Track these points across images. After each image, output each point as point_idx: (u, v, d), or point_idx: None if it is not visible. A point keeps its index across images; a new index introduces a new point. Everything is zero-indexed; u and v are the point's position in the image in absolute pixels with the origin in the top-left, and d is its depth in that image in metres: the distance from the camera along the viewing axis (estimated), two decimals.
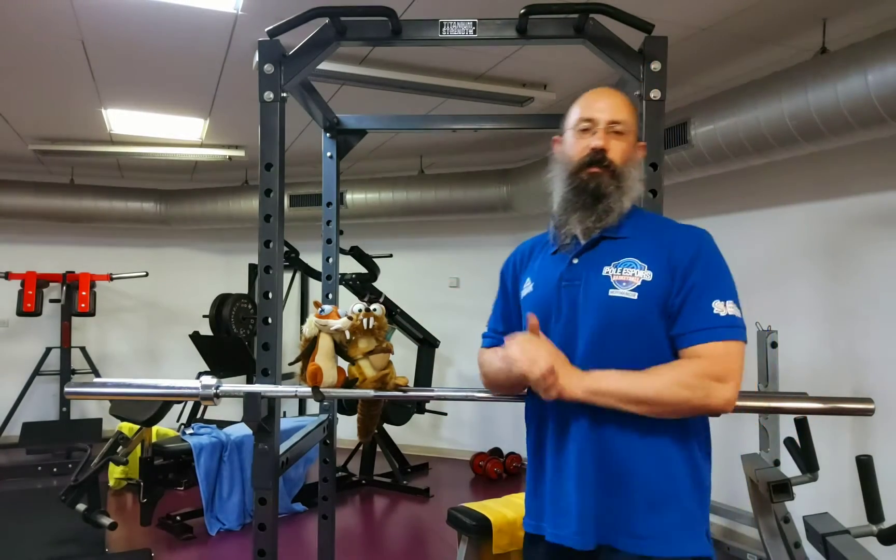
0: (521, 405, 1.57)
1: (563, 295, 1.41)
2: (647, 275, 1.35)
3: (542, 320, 1.42)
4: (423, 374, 5.58)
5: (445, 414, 6.09)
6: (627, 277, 1.36)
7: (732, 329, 1.32)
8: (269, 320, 1.78)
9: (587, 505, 1.32)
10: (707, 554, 1.33)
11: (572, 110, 1.49)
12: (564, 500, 1.36)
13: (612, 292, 1.36)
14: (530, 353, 1.31)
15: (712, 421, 1.43)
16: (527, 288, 1.52)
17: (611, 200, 1.40)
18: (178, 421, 5.42)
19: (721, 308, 1.32)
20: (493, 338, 1.62)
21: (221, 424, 4.53)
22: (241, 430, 4.33)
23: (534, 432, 1.47)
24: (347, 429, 3.21)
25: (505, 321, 1.61)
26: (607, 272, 1.38)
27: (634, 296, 1.34)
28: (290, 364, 1.86)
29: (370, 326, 1.74)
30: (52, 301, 6.19)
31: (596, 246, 1.42)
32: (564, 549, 1.35)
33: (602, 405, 1.30)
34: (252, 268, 6.37)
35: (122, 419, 4.11)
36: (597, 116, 1.43)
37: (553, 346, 1.34)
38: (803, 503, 3.00)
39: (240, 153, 5.45)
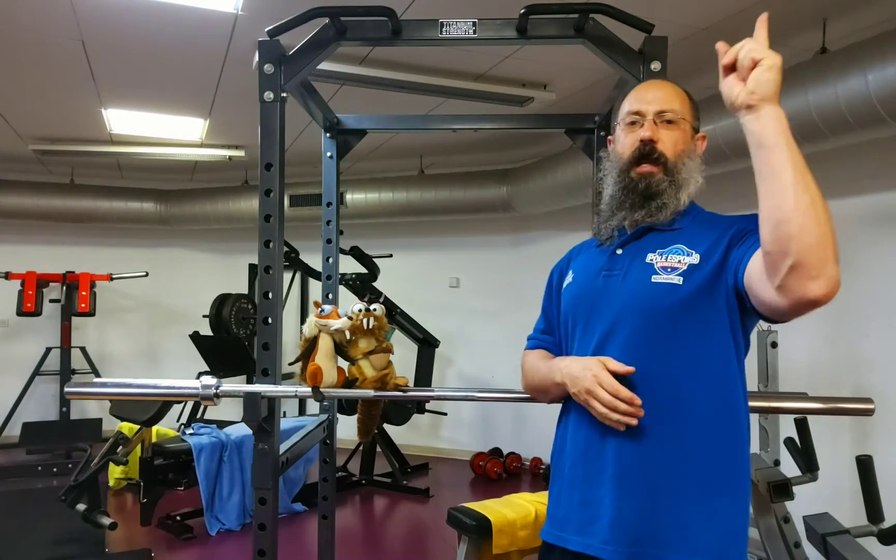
0: (522, 405, 1.57)
1: (600, 284, 1.33)
2: (693, 259, 1.24)
3: (576, 312, 1.36)
4: (423, 374, 5.58)
5: (445, 414, 6.09)
6: (673, 264, 1.25)
7: None
8: (269, 320, 1.78)
9: (624, 513, 1.21)
10: None
11: (623, 105, 1.41)
12: (596, 507, 1.25)
13: (654, 279, 1.25)
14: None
15: None
16: (567, 279, 1.44)
17: (664, 197, 1.31)
18: (178, 421, 5.42)
19: None
20: (536, 338, 1.54)
21: (221, 424, 4.53)
22: (241, 430, 4.33)
23: (561, 434, 1.38)
24: (347, 429, 3.21)
25: (546, 321, 1.53)
26: (651, 259, 1.28)
27: (679, 281, 1.23)
28: (291, 364, 1.86)
29: (370, 326, 1.74)
30: (52, 301, 6.19)
31: (642, 237, 1.33)
32: (579, 558, 1.27)
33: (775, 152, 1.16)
34: (252, 268, 6.37)
35: (122, 419, 4.11)
36: (644, 108, 1.35)
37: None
38: (803, 503, 3.00)
39: (240, 153, 5.45)
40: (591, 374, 1.23)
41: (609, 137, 1.49)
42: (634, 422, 1.20)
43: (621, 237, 1.36)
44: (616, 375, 1.23)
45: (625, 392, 1.20)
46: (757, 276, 1.14)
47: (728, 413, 1.25)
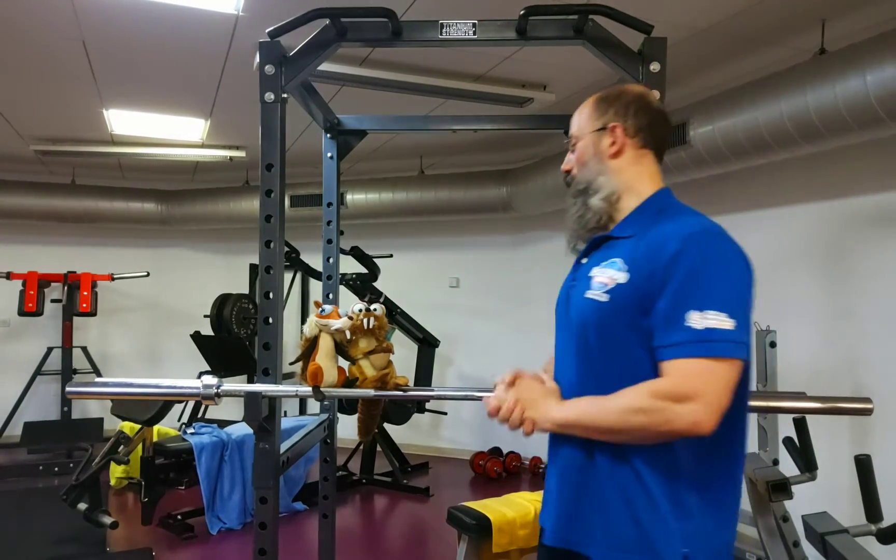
0: None
1: (563, 296, 1.41)
2: (622, 276, 1.25)
3: (556, 322, 1.44)
4: (423, 373, 5.59)
5: (445, 413, 6.09)
6: (604, 279, 1.27)
7: (707, 344, 1.14)
8: (270, 320, 1.78)
9: (567, 507, 1.30)
10: None
11: None
12: (550, 496, 1.37)
13: (587, 294, 1.29)
14: (499, 397, 1.34)
15: None
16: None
17: (586, 217, 1.38)
18: (179, 420, 5.42)
19: (697, 320, 1.15)
20: None
21: (222, 424, 4.54)
22: (242, 430, 4.34)
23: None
24: (348, 428, 3.22)
25: None
26: (593, 272, 1.31)
27: (605, 298, 1.26)
28: (291, 364, 1.87)
29: (370, 326, 1.75)
30: (53, 301, 6.20)
31: (597, 247, 1.37)
32: (548, 550, 1.36)
33: (574, 435, 1.28)
34: (253, 268, 6.38)
35: (124, 419, 4.12)
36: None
37: (533, 382, 1.36)
38: (802, 502, 3.01)
39: (240, 154, 5.46)
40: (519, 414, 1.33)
41: None
42: None
43: (586, 247, 1.41)
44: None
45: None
46: None
47: None
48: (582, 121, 1.43)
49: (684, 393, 1.14)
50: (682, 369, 1.16)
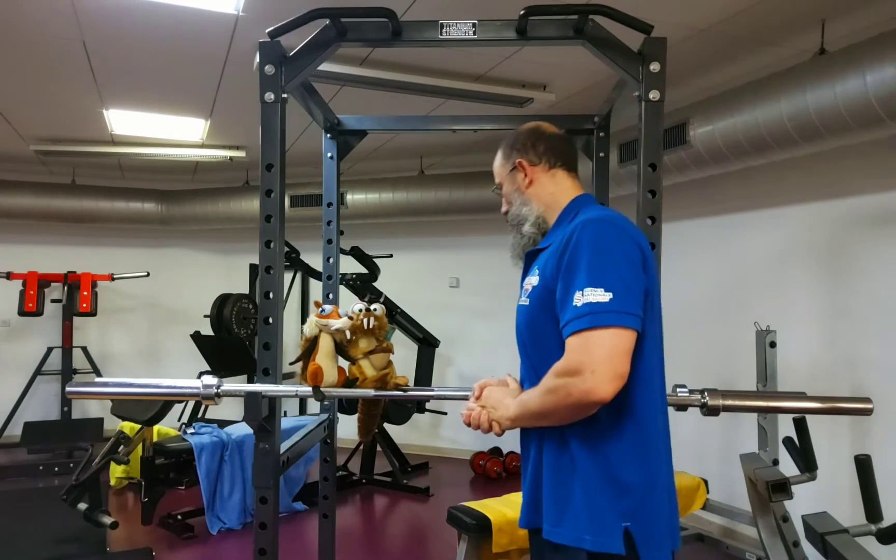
0: None
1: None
2: (536, 280, 1.45)
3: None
4: (423, 373, 5.59)
5: (445, 413, 6.09)
6: (527, 286, 1.48)
7: (587, 317, 1.26)
8: (270, 320, 1.79)
9: (531, 489, 1.46)
10: (613, 551, 1.29)
11: None
12: (523, 485, 1.52)
13: (519, 302, 1.51)
14: (469, 408, 1.51)
15: (712, 421, 1.43)
16: None
17: (521, 243, 1.58)
18: (179, 420, 5.43)
19: (578, 298, 1.29)
20: None
21: (222, 424, 4.54)
22: (242, 430, 4.34)
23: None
24: (348, 428, 3.22)
25: None
26: (524, 283, 1.52)
27: (527, 302, 1.46)
28: (291, 364, 1.87)
29: (370, 326, 1.75)
30: (53, 301, 6.20)
31: (533, 259, 1.54)
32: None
33: (528, 426, 1.45)
34: (253, 268, 6.38)
35: (124, 419, 4.12)
36: None
37: (494, 389, 1.51)
38: (802, 502, 3.01)
39: (241, 154, 5.46)
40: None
41: None
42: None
43: (524, 264, 1.59)
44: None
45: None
46: None
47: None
48: (497, 168, 1.68)
49: (575, 365, 1.27)
50: (571, 344, 1.29)
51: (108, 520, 3.56)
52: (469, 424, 1.49)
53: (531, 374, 1.46)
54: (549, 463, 1.40)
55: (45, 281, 6.06)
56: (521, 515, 1.49)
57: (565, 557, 1.34)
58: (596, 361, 1.24)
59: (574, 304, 1.29)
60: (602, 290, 1.27)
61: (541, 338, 1.42)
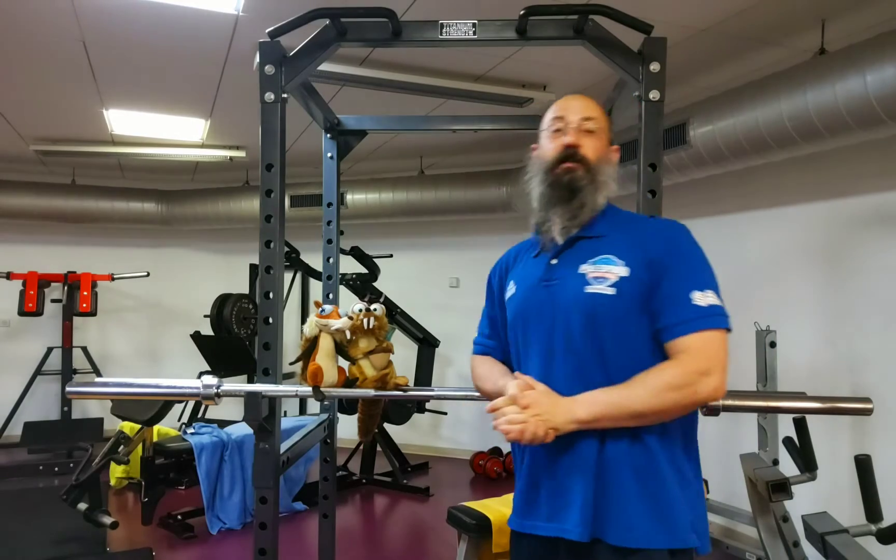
0: None
1: (542, 295, 1.44)
2: (624, 271, 1.36)
3: (523, 321, 1.47)
4: (423, 373, 5.59)
5: (445, 413, 6.09)
6: (604, 273, 1.37)
7: (713, 318, 1.31)
8: (270, 320, 1.79)
9: (588, 500, 1.33)
10: (690, 545, 1.32)
11: (546, 116, 1.54)
12: (565, 495, 1.36)
13: (588, 289, 1.37)
14: (514, 420, 1.30)
15: (711, 421, 1.44)
16: (510, 290, 1.55)
17: (585, 194, 1.43)
18: (179, 420, 5.43)
19: (700, 298, 1.32)
20: (482, 344, 1.66)
21: (222, 424, 4.54)
22: (242, 430, 4.34)
23: None
24: (348, 428, 3.22)
25: (491, 325, 1.64)
26: (584, 270, 1.39)
27: (612, 291, 1.35)
28: (291, 364, 1.87)
29: (370, 326, 1.75)
30: (53, 301, 6.20)
31: (573, 246, 1.45)
32: (553, 543, 1.37)
33: (599, 427, 1.32)
34: (253, 268, 6.37)
35: (124, 419, 4.12)
36: (568, 116, 1.48)
37: (540, 393, 1.34)
38: (802, 502, 3.01)
39: (241, 154, 5.46)
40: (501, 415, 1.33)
41: (533, 146, 1.56)
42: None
43: (555, 248, 1.47)
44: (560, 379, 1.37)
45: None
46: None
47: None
48: (601, 117, 1.50)
49: (707, 364, 1.29)
50: (696, 343, 1.30)
51: (108, 520, 3.56)
52: (519, 439, 1.30)
53: (595, 369, 1.35)
54: (624, 465, 1.32)
55: (45, 281, 6.06)
56: (571, 527, 1.34)
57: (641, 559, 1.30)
58: (722, 362, 1.30)
59: (694, 302, 1.31)
60: (714, 293, 1.34)
61: (626, 333, 1.35)
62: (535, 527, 1.42)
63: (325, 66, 1.96)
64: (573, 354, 1.37)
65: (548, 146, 1.49)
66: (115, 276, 6.32)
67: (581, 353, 1.36)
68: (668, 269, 1.34)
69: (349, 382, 1.77)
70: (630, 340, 1.35)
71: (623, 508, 1.32)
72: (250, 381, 5.11)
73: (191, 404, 5.41)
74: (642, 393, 1.29)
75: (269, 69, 1.79)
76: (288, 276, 6.11)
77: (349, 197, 5.84)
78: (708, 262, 1.38)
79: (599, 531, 1.32)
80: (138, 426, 3.93)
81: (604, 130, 1.49)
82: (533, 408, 1.31)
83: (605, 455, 1.33)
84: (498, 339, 1.61)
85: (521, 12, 1.73)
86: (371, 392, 1.75)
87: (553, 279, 1.43)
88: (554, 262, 1.45)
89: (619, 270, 1.36)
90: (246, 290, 6.27)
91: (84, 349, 6.32)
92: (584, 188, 1.43)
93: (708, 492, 3.52)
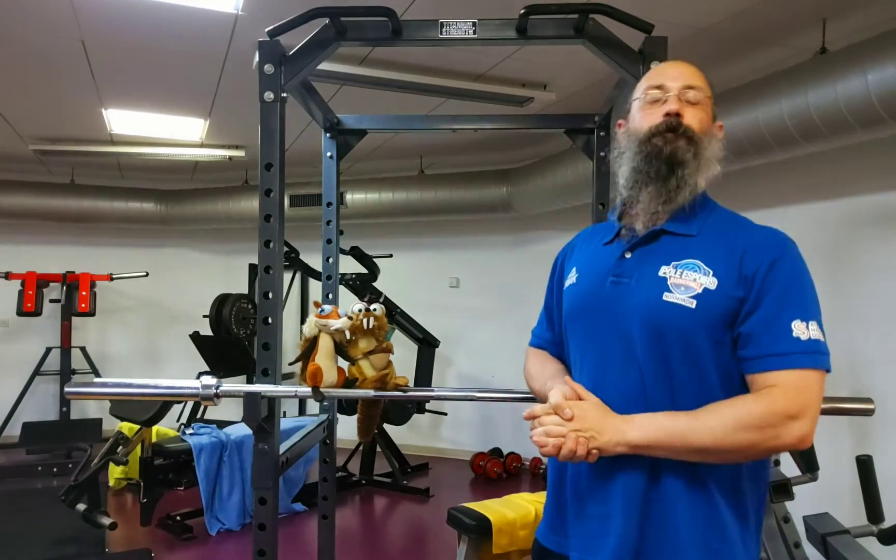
0: (522, 405, 1.56)
1: (608, 292, 1.25)
2: (710, 282, 1.17)
3: (580, 318, 1.30)
4: (423, 374, 5.58)
5: (445, 414, 6.09)
6: (687, 282, 1.17)
7: (815, 356, 1.14)
8: (269, 320, 1.78)
9: (629, 537, 1.17)
10: None
11: (639, 84, 1.34)
12: (601, 525, 1.21)
13: (666, 296, 1.18)
14: (554, 433, 1.16)
15: None
16: (571, 278, 1.36)
17: (687, 170, 1.21)
18: (178, 421, 5.42)
19: (803, 330, 1.13)
20: (538, 336, 1.50)
21: (221, 424, 4.53)
22: (241, 430, 4.33)
23: None
24: (347, 429, 3.21)
25: (548, 317, 1.47)
26: (665, 272, 1.20)
27: (692, 304, 1.16)
28: (291, 364, 1.86)
29: (370, 326, 1.74)
30: (52, 301, 6.19)
31: (654, 240, 1.25)
32: None
33: (651, 455, 1.14)
34: (252, 268, 6.37)
35: (122, 419, 4.11)
36: (668, 83, 1.27)
37: (588, 405, 1.18)
38: (803, 503, 3.00)
39: (240, 153, 5.45)
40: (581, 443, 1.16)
41: (619, 121, 1.39)
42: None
43: (632, 239, 1.27)
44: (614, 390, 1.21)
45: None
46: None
47: None
48: (706, 88, 1.30)
49: (798, 408, 1.11)
50: (793, 381, 1.12)
51: (106, 520, 3.55)
52: (555, 455, 1.15)
53: (661, 391, 1.18)
54: (680, 506, 1.15)
55: (43, 281, 6.06)
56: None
57: None
58: (815, 408, 1.13)
59: (795, 335, 1.13)
60: (818, 326, 1.16)
61: (695, 354, 1.16)
62: (566, 545, 1.28)
63: (324, 66, 1.96)
64: (633, 368, 1.20)
65: (643, 117, 1.28)
66: (113, 276, 6.32)
67: (643, 367, 1.19)
68: (768, 289, 1.15)
69: (349, 383, 1.76)
70: (701, 364, 1.17)
71: (674, 552, 1.16)
72: (249, 381, 5.10)
73: (190, 405, 5.40)
74: (714, 426, 1.10)
75: (268, 68, 1.78)
76: (287, 276, 6.11)
77: (349, 197, 5.83)
78: (814, 288, 1.19)
79: None
80: (137, 427, 3.92)
81: (709, 102, 1.29)
82: (577, 422, 1.15)
83: (658, 490, 1.17)
84: (553, 332, 1.44)
85: (522, 11, 1.72)
86: (371, 392, 1.74)
87: (624, 276, 1.24)
88: (628, 256, 1.26)
89: (704, 280, 1.17)
90: (245, 290, 6.26)
91: (83, 349, 6.32)
92: (688, 163, 1.21)
93: None
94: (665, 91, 1.27)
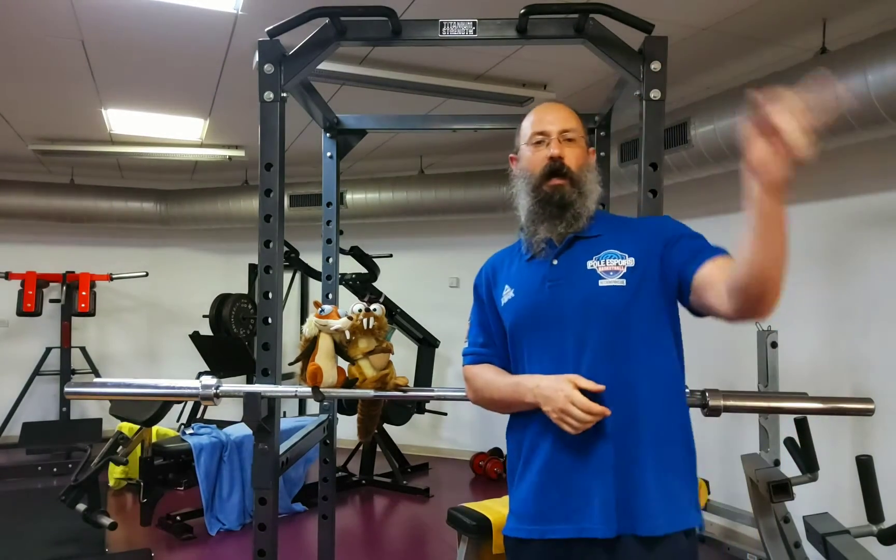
0: None
1: (549, 295, 1.43)
2: (629, 261, 1.41)
3: (529, 324, 1.45)
4: (423, 374, 5.58)
5: (445, 414, 6.08)
6: (612, 267, 1.40)
7: (725, 249, 1.38)
8: (269, 320, 1.78)
9: (608, 495, 1.34)
10: (697, 524, 1.39)
11: (523, 127, 1.55)
12: (582, 495, 1.36)
13: (601, 283, 1.40)
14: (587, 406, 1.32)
15: (712, 421, 1.43)
16: (507, 295, 1.51)
17: (576, 207, 1.45)
18: (178, 421, 5.42)
19: (708, 241, 1.41)
20: (477, 353, 1.60)
21: (221, 424, 4.53)
22: (241, 430, 4.33)
23: (530, 436, 1.44)
24: (347, 429, 3.21)
25: (485, 333, 1.59)
26: (592, 265, 1.42)
27: (623, 283, 1.39)
28: (291, 364, 1.87)
29: (370, 326, 1.75)
30: (52, 301, 6.19)
31: (572, 246, 1.46)
32: (565, 545, 1.37)
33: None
34: (252, 268, 6.37)
35: (122, 419, 4.11)
36: (548, 128, 1.49)
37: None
38: (803, 503, 3.00)
39: (240, 153, 5.45)
40: (563, 394, 1.33)
41: (512, 156, 1.57)
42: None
43: (553, 250, 1.47)
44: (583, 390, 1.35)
45: (596, 408, 1.32)
46: (709, 286, 1.34)
47: (677, 399, 1.45)
48: (578, 125, 1.52)
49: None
50: (724, 258, 1.36)
51: (106, 521, 3.55)
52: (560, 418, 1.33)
53: (619, 358, 1.37)
54: (644, 457, 1.35)
55: (43, 281, 6.05)
56: (596, 524, 1.33)
57: (668, 547, 1.33)
58: None
59: (704, 240, 1.41)
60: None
61: (644, 317, 1.39)
62: (551, 530, 1.39)
63: (324, 65, 1.96)
64: (587, 352, 1.38)
65: (530, 159, 1.50)
66: (113, 276, 6.31)
67: (594, 349, 1.38)
68: (672, 239, 1.41)
69: (349, 383, 1.76)
70: (651, 329, 1.39)
71: (646, 500, 1.34)
72: (249, 381, 5.10)
73: (189, 405, 5.40)
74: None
75: (268, 68, 1.78)
76: (287, 276, 6.11)
77: (349, 196, 5.83)
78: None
79: (625, 526, 1.33)
80: (137, 427, 3.92)
81: (582, 137, 1.51)
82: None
83: (623, 452, 1.35)
84: (495, 346, 1.56)
85: (522, 11, 1.72)
86: (371, 392, 1.74)
87: (559, 278, 1.43)
88: (555, 262, 1.45)
89: (625, 262, 1.40)
90: (245, 290, 6.26)
91: (83, 349, 6.31)
92: (574, 202, 1.45)
93: (709, 492, 3.51)
94: (547, 135, 1.49)
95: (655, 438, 1.36)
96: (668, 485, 1.36)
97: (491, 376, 1.53)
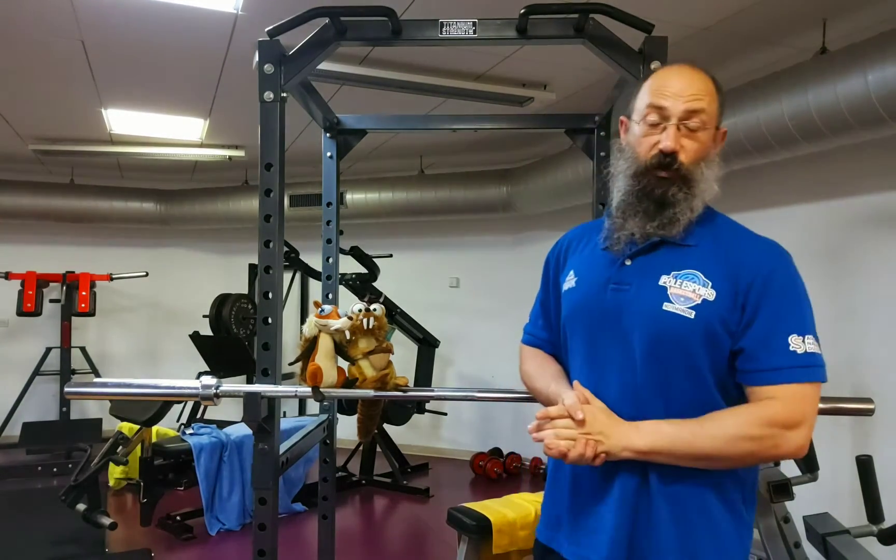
0: (522, 405, 1.56)
1: (608, 299, 1.27)
2: (709, 293, 1.20)
3: (580, 323, 1.33)
4: (423, 374, 5.58)
5: (445, 414, 6.08)
6: (687, 292, 1.21)
7: (811, 369, 1.18)
8: (269, 320, 1.78)
9: (621, 531, 1.23)
10: None
11: (642, 91, 1.32)
12: (596, 521, 1.27)
13: (666, 306, 1.21)
14: (563, 436, 1.20)
15: None
16: (569, 282, 1.38)
17: (677, 210, 1.24)
18: (178, 421, 5.42)
19: (799, 344, 1.17)
20: (533, 335, 1.51)
21: (221, 424, 4.53)
22: (241, 430, 4.33)
23: None
24: (347, 429, 3.21)
25: (544, 315, 1.48)
26: (665, 282, 1.23)
27: (691, 315, 1.19)
28: (291, 364, 1.86)
29: (370, 326, 1.74)
30: (52, 301, 6.19)
31: (654, 250, 1.27)
32: None
33: (654, 462, 1.20)
34: (252, 268, 6.37)
35: (122, 419, 4.11)
36: (669, 105, 1.25)
37: (597, 410, 1.22)
38: (803, 503, 3.00)
39: (240, 153, 5.45)
40: (550, 428, 1.23)
41: (622, 118, 1.39)
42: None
43: (631, 247, 1.28)
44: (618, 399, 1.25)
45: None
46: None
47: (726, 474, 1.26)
48: (710, 105, 1.26)
49: (795, 419, 1.16)
50: (790, 394, 1.17)
51: (106, 521, 3.55)
52: (563, 457, 1.20)
53: (655, 396, 1.22)
54: (672, 502, 1.21)
55: (43, 281, 6.05)
56: (599, 557, 1.24)
57: None
58: (812, 418, 1.18)
59: (792, 349, 1.17)
60: (814, 340, 1.20)
61: (690, 363, 1.20)
62: (557, 542, 1.34)
63: (324, 65, 1.95)
64: (630, 373, 1.23)
65: (639, 140, 1.28)
66: (113, 276, 6.31)
67: (640, 373, 1.23)
68: (765, 303, 1.19)
69: (349, 383, 1.75)
70: (698, 371, 1.21)
71: (662, 550, 1.21)
72: (249, 381, 5.10)
73: (190, 405, 5.40)
74: (716, 434, 1.16)
75: (268, 68, 1.78)
76: (287, 276, 6.11)
77: (349, 197, 5.83)
78: (808, 300, 1.22)
79: None
80: (137, 427, 3.92)
81: (712, 120, 1.26)
82: (587, 426, 1.19)
83: (648, 488, 1.22)
84: (550, 332, 1.46)
85: (522, 11, 1.72)
86: (371, 392, 1.74)
87: (625, 284, 1.27)
88: (628, 263, 1.28)
89: (703, 291, 1.20)
90: (245, 290, 6.26)
91: (83, 349, 6.31)
92: (678, 203, 1.24)
93: None
94: (665, 117, 1.26)
95: (695, 484, 1.21)
96: (697, 534, 1.21)
97: (535, 369, 1.45)
